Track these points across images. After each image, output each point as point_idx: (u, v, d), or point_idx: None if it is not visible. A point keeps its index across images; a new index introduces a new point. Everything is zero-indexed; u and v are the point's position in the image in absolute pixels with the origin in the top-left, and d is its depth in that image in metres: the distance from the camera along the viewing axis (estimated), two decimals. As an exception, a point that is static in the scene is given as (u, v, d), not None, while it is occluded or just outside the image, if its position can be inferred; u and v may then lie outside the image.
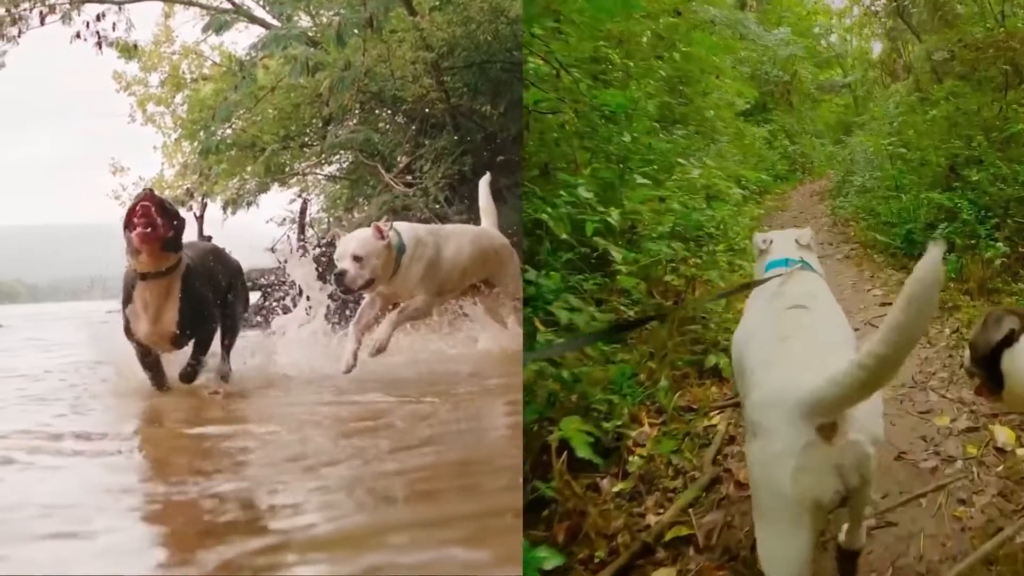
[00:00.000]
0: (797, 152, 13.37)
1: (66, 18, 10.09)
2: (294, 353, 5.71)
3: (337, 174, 11.11)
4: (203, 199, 10.88)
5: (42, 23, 10.08)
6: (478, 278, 6.17)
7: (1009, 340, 2.81)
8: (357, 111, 10.32)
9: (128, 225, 4.61)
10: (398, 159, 10.25)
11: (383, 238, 5.55)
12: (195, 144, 10.90)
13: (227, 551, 2.40)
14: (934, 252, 2.21)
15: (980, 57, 9.14)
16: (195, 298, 4.86)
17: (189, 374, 4.93)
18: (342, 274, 5.48)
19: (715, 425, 4.46)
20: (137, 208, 4.57)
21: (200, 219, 10.97)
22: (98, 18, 10.19)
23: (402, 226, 5.82)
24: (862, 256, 8.81)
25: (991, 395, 2.92)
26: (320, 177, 11.20)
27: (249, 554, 2.37)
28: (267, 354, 5.64)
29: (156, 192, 4.70)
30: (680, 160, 6.94)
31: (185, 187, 10.89)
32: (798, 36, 13.24)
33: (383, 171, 9.98)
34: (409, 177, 9.93)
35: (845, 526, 3.05)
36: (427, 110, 10.16)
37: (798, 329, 2.91)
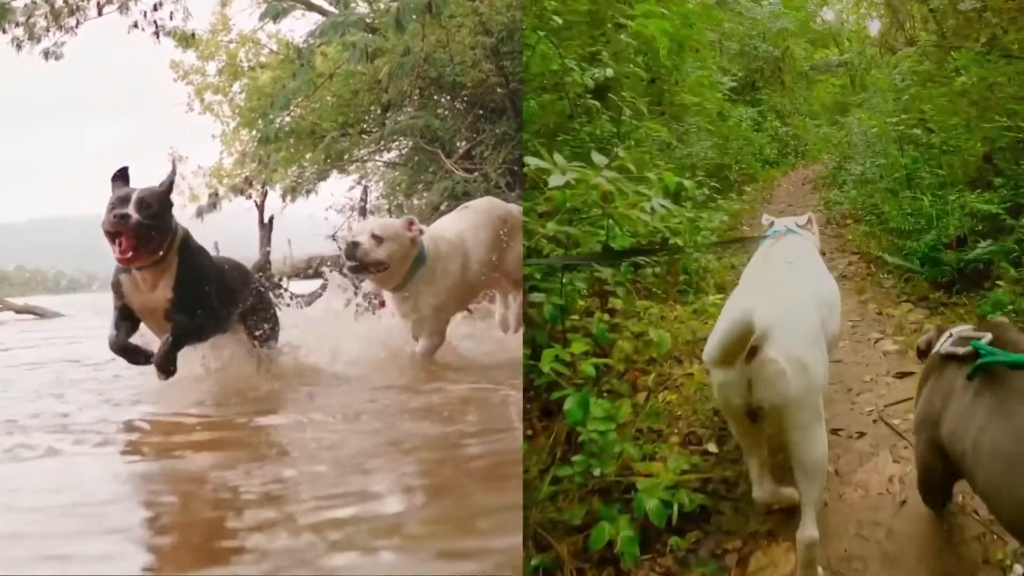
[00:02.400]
0: (788, 134, 12.08)
1: (123, 8, 9.85)
2: (358, 341, 5.37)
3: (397, 160, 11.03)
4: (263, 187, 10.87)
5: (99, 13, 9.92)
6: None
7: (925, 352, 2.98)
8: (416, 97, 10.22)
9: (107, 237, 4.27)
10: (458, 145, 10.14)
11: (412, 231, 5.11)
12: (254, 132, 10.82)
13: (305, 539, 2.38)
14: None
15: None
16: (193, 270, 4.48)
17: (166, 353, 4.38)
18: (355, 245, 5.00)
19: None
20: (112, 235, 4.19)
21: (260, 207, 10.95)
22: (155, 7, 9.94)
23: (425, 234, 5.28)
24: (864, 277, 6.73)
25: None
26: (380, 164, 11.15)
27: (329, 544, 2.33)
28: (324, 341, 5.38)
29: (130, 213, 4.15)
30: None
31: (244, 175, 10.86)
32: (790, 10, 11.95)
33: (444, 157, 9.93)
34: (469, 163, 9.86)
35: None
36: (487, 95, 10.09)
37: (767, 277, 3.30)
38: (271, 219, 10.48)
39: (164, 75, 11.07)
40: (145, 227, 4.20)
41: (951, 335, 2.78)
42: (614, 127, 6.37)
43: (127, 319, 4.51)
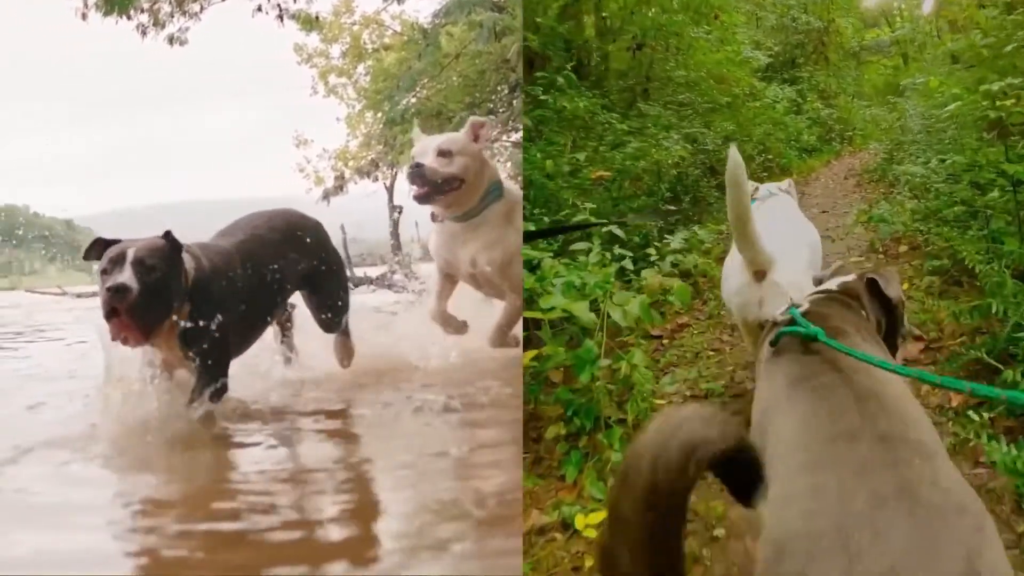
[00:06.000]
0: (832, 116, 10.58)
1: (247, -8, 10.00)
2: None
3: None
4: (393, 169, 10.76)
5: (223, -2, 10.03)
6: None
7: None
8: (545, 76, 10.01)
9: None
10: (588, 124, 9.86)
11: (480, 142, 4.36)
12: (379, 115, 10.79)
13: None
14: (733, 155, 3.28)
15: None
16: (207, 305, 3.65)
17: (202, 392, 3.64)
18: (418, 167, 4.24)
19: None
20: (111, 318, 3.40)
21: (390, 190, 10.90)
22: (279, -10, 10.09)
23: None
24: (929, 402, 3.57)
25: None
26: (507, 144, 10.91)
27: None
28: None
29: (128, 284, 3.36)
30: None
31: (370, 157, 10.82)
32: (836, -21, 10.69)
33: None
34: (600, 142, 9.54)
35: None
36: (618, 72, 9.75)
37: (763, 228, 3.56)
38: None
39: (288, 58, 11.03)
40: (146, 303, 3.39)
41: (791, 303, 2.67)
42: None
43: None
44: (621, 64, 7.52)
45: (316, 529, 2.52)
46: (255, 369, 4.17)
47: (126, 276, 3.35)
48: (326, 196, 10.53)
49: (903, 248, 5.90)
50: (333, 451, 3.34)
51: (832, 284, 2.82)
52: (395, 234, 9.80)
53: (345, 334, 4.52)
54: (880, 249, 6.03)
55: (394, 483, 2.98)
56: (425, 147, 4.34)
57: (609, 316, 3.87)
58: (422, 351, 4.55)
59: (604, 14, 7.24)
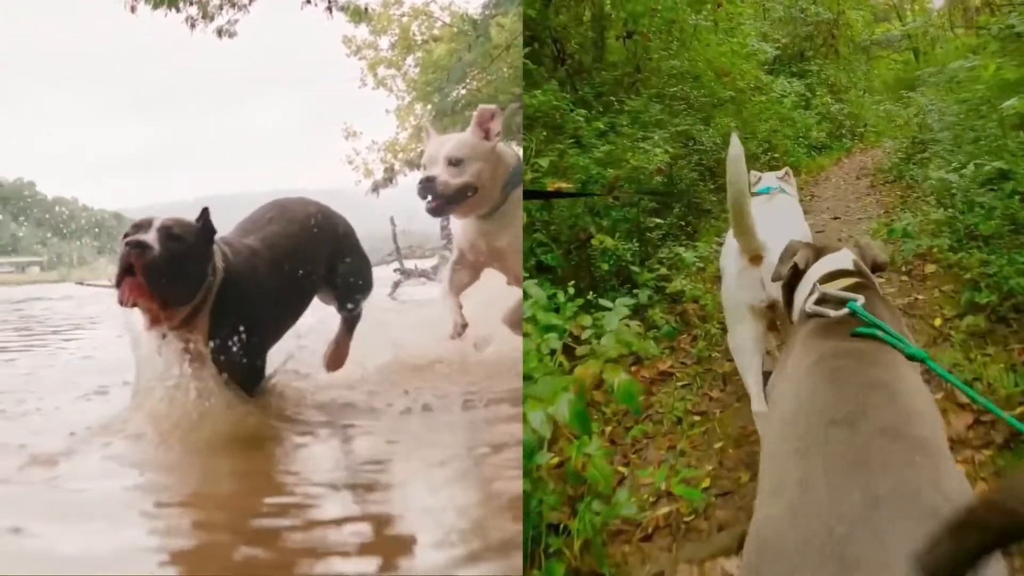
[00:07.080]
0: (843, 112, 10.25)
1: (296, -16, 10.00)
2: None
3: (577, 132, 10.73)
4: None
5: (272, -10, 10.02)
6: None
7: (798, 273, 2.86)
8: (597, 67, 9.93)
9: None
10: (643, 115, 9.75)
11: (492, 139, 4.12)
12: (428, 107, 10.76)
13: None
14: (734, 143, 3.39)
15: None
16: (232, 308, 3.50)
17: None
18: (429, 181, 4.03)
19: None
20: (124, 277, 3.22)
21: (444, 182, 10.85)
22: (328, -18, 10.08)
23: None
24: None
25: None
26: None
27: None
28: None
29: (149, 242, 3.19)
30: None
31: (419, 149, 10.78)
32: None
33: (627, 129, 9.52)
34: (650, 131, 9.43)
35: None
36: (671, 66, 9.62)
37: (762, 218, 3.69)
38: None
39: (337, 50, 11.03)
40: (165, 268, 3.20)
41: (819, 292, 2.56)
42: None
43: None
44: (615, 55, 7.25)
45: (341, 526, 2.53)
46: (295, 366, 4.14)
47: (149, 237, 3.20)
48: (375, 188, 10.50)
49: (930, 268, 5.19)
50: (366, 449, 3.32)
51: (845, 264, 2.75)
52: (445, 226, 9.80)
53: (348, 331, 4.37)
54: (903, 268, 5.29)
55: (407, 482, 2.97)
56: (435, 155, 4.14)
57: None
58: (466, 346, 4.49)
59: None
